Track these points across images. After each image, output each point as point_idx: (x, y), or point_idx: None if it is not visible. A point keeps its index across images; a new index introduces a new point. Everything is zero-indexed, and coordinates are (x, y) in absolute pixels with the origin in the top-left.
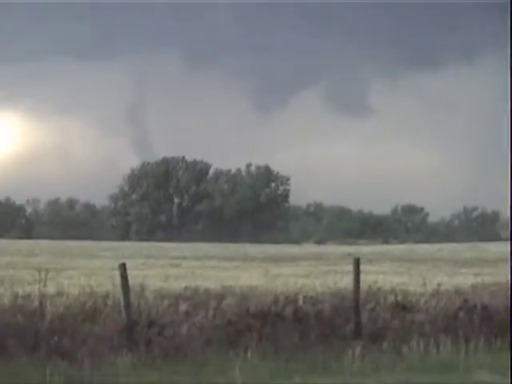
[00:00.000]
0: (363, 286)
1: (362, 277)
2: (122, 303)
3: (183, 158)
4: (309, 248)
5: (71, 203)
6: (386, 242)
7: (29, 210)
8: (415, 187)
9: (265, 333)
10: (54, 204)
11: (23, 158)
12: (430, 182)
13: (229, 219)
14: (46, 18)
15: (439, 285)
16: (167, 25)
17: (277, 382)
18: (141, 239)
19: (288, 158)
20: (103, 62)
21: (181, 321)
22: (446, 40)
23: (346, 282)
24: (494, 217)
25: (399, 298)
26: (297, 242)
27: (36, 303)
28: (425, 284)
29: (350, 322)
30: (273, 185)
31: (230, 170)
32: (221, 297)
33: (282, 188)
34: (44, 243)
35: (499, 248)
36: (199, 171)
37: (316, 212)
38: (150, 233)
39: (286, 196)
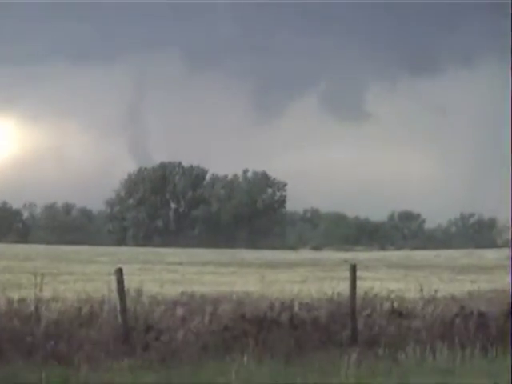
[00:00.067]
0: (360, 292)
1: (359, 283)
2: (119, 308)
3: (180, 163)
4: (305, 254)
5: (68, 208)
6: (382, 248)
7: (25, 214)
8: (412, 193)
9: (261, 338)
10: (51, 208)
11: (20, 161)
12: (427, 188)
13: (225, 225)
14: (43, 19)
15: (436, 291)
16: (166, 26)
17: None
18: (137, 244)
19: (285, 163)
20: (101, 64)
21: (177, 326)
22: (446, 43)
23: (343, 288)
24: (491, 223)
25: (395, 304)
26: (293, 247)
27: (32, 308)
28: (421, 290)
29: (346, 329)
30: (269, 190)
31: (226, 176)
32: (217, 302)
33: (278, 194)
34: (40, 248)
35: (496, 255)
36: (196, 177)
37: (313, 218)
38: (147, 238)
39: (282, 202)
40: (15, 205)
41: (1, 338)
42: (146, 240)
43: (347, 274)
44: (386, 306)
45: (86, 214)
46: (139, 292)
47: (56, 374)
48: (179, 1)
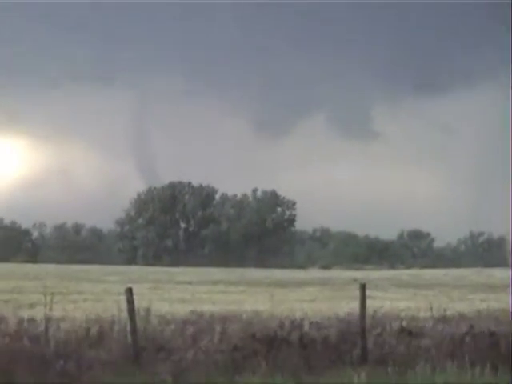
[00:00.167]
0: (369, 311)
1: (368, 302)
2: (129, 328)
3: (189, 183)
4: (315, 273)
5: (77, 228)
6: (392, 267)
7: (35, 234)
8: (421, 212)
9: (271, 358)
10: (61, 228)
11: (29, 182)
12: (436, 206)
13: (235, 244)
14: (48, 42)
15: (445, 310)
16: (171, 48)
17: None
18: (147, 263)
19: (294, 182)
20: (107, 87)
21: (187, 346)
22: (450, 63)
23: (352, 307)
24: (500, 242)
25: (405, 323)
26: (303, 266)
27: (42, 327)
28: (431, 309)
29: (356, 348)
30: (279, 209)
31: (236, 195)
32: (227, 321)
33: (288, 213)
34: (50, 267)
35: (505, 274)
36: (205, 196)
37: (322, 237)
38: (157, 257)
39: (292, 221)
40: (25, 225)
41: (11, 357)
42: (155, 259)
43: (357, 292)
44: (396, 324)
45: (95, 233)
46: (149, 311)
47: None
48: (183, 23)
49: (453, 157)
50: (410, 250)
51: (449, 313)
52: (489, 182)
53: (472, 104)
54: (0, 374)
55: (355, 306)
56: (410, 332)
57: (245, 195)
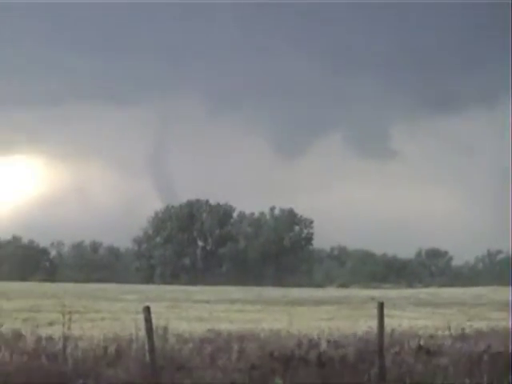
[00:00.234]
0: (387, 329)
1: (386, 321)
2: (147, 347)
3: (207, 201)
4: (332, 291)
5: (95, 246)
6: (410, 285)
7: (53, 252)
8: (439, 230)
9: (288, 377)
10: (78, 247)
11: (47, 200)
12: (454, 225)
13: (252, 262)
14: (69, 59)
15: (463, 329)
16: (188, 67)
17: None
18: (165, 282)
19: (311, 200)
20: (124, 105)
21: (205, 364)
22: (468, 81)
23: (370, 325)
24: None
25: (423, 341)
26: (320, 285)
27: (60, 346)
28: (449, 328)
29: (374, 366)
30: (296, 228)
31: (253, 214)
32: (244, 340)
33: (305, 231)
34: (68, 286)
35: None
36: (223, 214)
37: (340, 255)
38: (174, 276)
39: (309, 239)
40: (43, 243)
41: (28, 375)
42: (173, 278)
43: (375, 311)
44: (414, 343)
45: (113, 252)
46: (167, 330)
47: None
48: (200, 44)
49: (470, 175)
50: (428, 269)
51: (467, 331)
52: (506, 200)
53: (490, 122)
54: None
55: (373, 324)
56: (427, 351)
57: (262, 213)
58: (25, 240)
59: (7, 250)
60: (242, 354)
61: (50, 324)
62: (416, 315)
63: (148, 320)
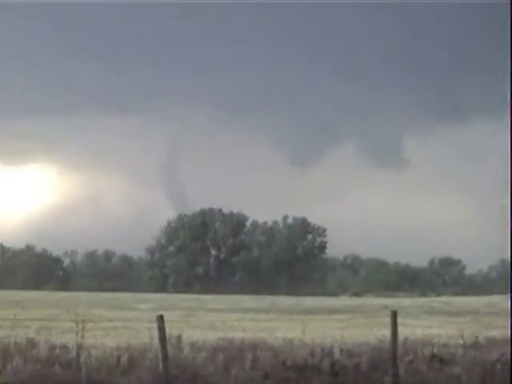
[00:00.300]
0: (400, 338)
1: (400, 329)
2: (160, 356)
3: (220, 210)
4: (346, 300)
5: (108, 255)
6: (423, 294)
7: (66, 261)
8: (452, 239)
9: None
10: (92, 256)
11: (61, 209)
12: (467, 233)
13: (266, 271)
14: (81, 71)
15: (476, 337)
16: (200, 78)
17: None
18: (178, 291)
19: (324, 209)
20: (136, 115)
21: (218, 373)
22: (479, 90)
23: (383, 334)
24: None
25: (436, 350)
26: (334, 294)
27: (73, 354)
28: (462, 337)
29: (387, 375)
30: (309, 236)
31: (266, 222)
32: (257, 349)
33: (319, 240)
34: (81, 295)
35: None
36: (236, 223)
37: (353, 264)
38: (187, 285)
39: (322, 248)
40: (56, 252)
41: (42, 383)
42: (186, 287)
43: (388, 320)
44: (427, 351)
45: (126, 261)
46: (180, 339)
47: None
48: (209, 53)
49: (483, 184)
50: (441, 278)
51: (480, 340)
52: None
53: (501, 132)
54: None
55: (386, 333)
56: (441, 359)
57: (275, 222)
58: (38, 249)
59: (21, 258)
60: (255, 362)
61: (64, 333)
62: (429, 324)
63: (161, 329)
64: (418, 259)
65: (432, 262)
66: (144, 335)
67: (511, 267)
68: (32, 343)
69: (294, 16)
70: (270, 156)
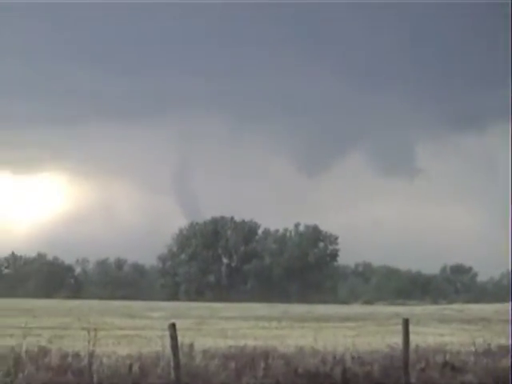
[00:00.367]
0: (412, 346)
1: (411, 337)
2: (172, 364)
3: (232, 218)
4: (357, 308)
5: (120, 263)
6: (435, 302)
7: (78, 269)
8: (464, 247)
9: None
10: (103, 264)
11: (72, 217)
12: (479, 241)
13: (277, 279)
14: (91, 80)
15: (489, 345)
16: (212, 86)
17: None
18: (190, 299)
19: (336, 217)
20: (147, 123)
21: (230, 381)
22: (491, 99)
23: (395, 342)
24: None
25: (448, 358)
26: (345, 301)
27: (85, 362)
28: (474, 344)
29: (399, 383)
30: (321, 244)
31: (278, 230)
32: (269, 357)
33: (330, 247)
34: (93, 303)
35: None
36: (248, 231)
37: (365, 272)
38: (199, 293)
39: (334, 255)
40: (67, 260)
41: None
42: (198, 295)
43: (399, 327)
44: (439, 359)
45: (138, 269)
46: (192, 347)
47: None
48: (221, 61)
49: (494, 192)
50: (453, 285)
51: (492, 347)
52: None
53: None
54: None
55: (398, 340)
56: (453, 367)
57: (287, 230)
58: (50, 257)
59: (32, 267)
60: (267, 370)
61: (76, 341)
62: (441, 331)
63: (173, 337)
64: (430, 267)
65: (444, 269)
66: (156, 343)
67: None
68: (44, 351)
69: (301, 23)
70: (283, 164)
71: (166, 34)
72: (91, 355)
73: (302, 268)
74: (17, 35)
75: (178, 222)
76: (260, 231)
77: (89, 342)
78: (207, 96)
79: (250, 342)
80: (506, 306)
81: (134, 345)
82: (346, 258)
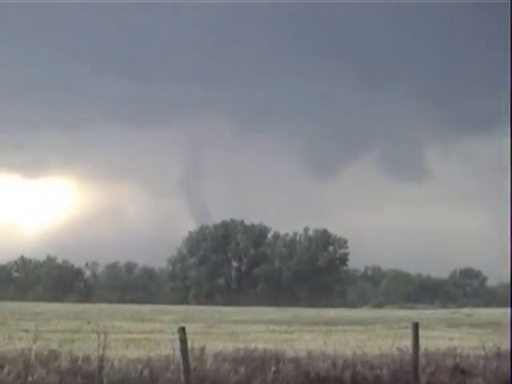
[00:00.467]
0: (422, 349)
1: (421, 341)
2: (182, 368)
3: (242, 221)
4: (367, 312)
5: (130, 266)
6: (444, 306)
7: (87, 273)
8: (473, 251)
9: None
10: (113, 267)
11: (82, 221)
12: (488, 245)
13: (287, 283)
14: (100, 85)
15: (498, 349)
16: (219, 90)
17: None
18: (199, 303)
19: (345, 221)
20: (156, 128)
21: None
22: (499, 103)
23: (405, 345)
24: None
25: (458, 361)
26: (355, 305)
27: (95, 365)
28: (483, 348)
29: None
30: (331, 248)
31: (287, 234)
32: (279, 361)
33: (340, 251)
34: (103, 307)
35: None
36: (258, 235)
37: (374, 275)
38: (209, 296)
39: (344, 259)
40: (77, 264)
41: None
42: (207, 298)
43: (409, 331)
44: (449, 363)
45: (148, 272)
46: (202, 351)
47: None
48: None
49: (504, 196)
50: (463, 289)
51: (502, 351)
52: None
53: None
54: None
55: (408, 344)
56: (462, 370)
57: (296, 234)
58: (59, 260)
59: (42, 270)
60: (277, 374)
61: (86, 344)
62: (450, 335)
63: (183, 341)
64: (439, 271)
65: (453, 273)
66: (166, 347)
67: (511, 280)
68: (54, 355)
69: (310, 27)
70: (292, 168)
71: (177, 41)
72: (101, 359)
73: (312, 272)
74: (33, 40)
75: (188, 225)
76: (270, 235)
77: (99, 345)
78: (218, 100)
79: (260, 346)
80: None
81: (144, 348)
82: (356, 261)
